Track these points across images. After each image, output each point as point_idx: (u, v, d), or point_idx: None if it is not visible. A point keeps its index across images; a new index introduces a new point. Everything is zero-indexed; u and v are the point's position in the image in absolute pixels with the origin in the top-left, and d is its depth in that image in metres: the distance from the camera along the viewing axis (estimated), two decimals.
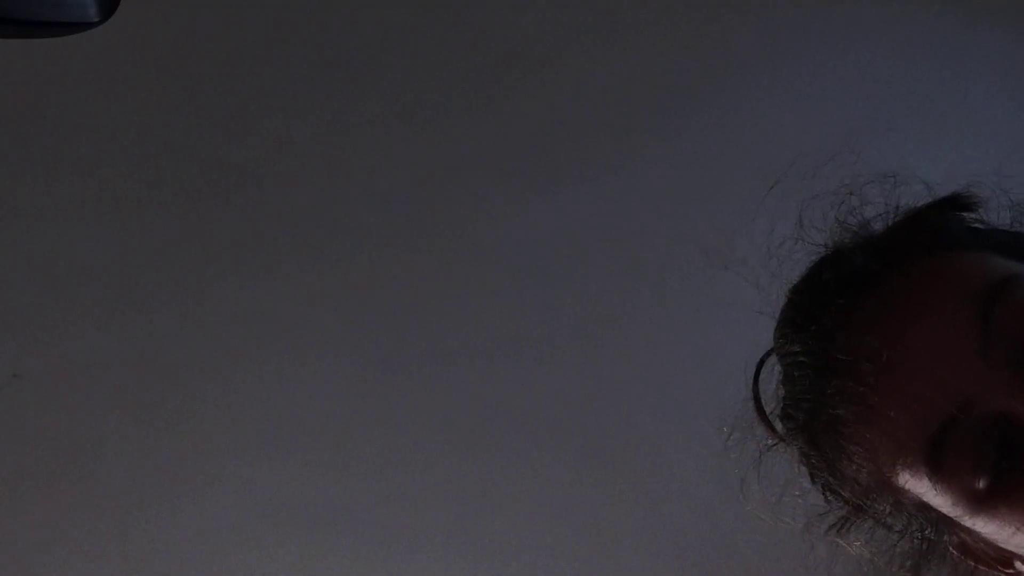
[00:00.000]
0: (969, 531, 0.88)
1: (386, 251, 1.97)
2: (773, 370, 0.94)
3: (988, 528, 0.85)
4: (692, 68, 1.92)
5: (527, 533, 2.22)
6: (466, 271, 1.99)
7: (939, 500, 0.85)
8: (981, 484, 0.82)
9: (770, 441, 0.95)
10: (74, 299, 1.92)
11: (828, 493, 0.93)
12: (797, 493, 0.95)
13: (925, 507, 0.88)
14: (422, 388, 2.07)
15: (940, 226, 0.93)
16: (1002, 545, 0.87)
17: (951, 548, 0.92)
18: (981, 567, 0.92)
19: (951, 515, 0.86)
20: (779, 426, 0.94)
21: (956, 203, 0.95)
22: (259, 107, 1.83)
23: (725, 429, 0.97)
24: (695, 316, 2.00)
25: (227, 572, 2.19)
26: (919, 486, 0.86)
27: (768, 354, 0.95)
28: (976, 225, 0.95)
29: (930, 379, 0.83)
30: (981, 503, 0.83)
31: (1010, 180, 0.94)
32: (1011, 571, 0.92)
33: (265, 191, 1.89)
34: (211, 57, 1.78)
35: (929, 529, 0.92)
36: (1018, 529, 0.84)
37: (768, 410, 0.95)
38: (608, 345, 2.08)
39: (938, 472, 0.84)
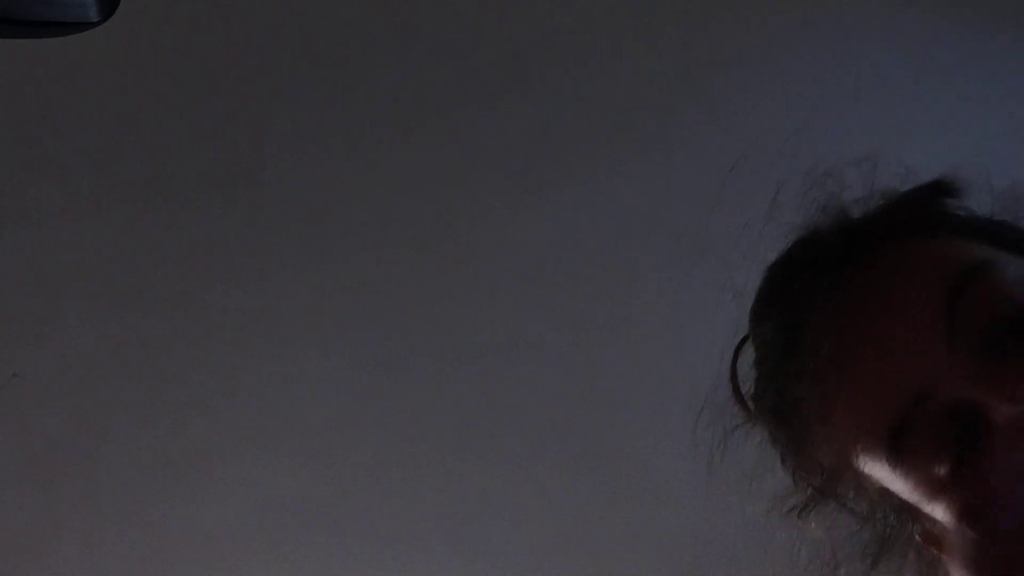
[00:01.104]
0: (932, 519, 0.86)
1: (386, 252, 1.97)
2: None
3: (949, 516, 0.83)
4: (675, 67, 1.92)
5: (525, 533, 2.22)
6: (464, 273, 1.99)
7: (900, 486, 0.84)
8: (941, 471, 0.81)
9: (739, 420, 0.95)
10: (74, 299, 1.92)
11: (795, 476, 0.92)
12: (766, 477, 0.95)
13: (887, 494, 0.86)
14: (420, 389, 2.07)
15: (919, 211, 0.91)
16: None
17: (916, 536, 0.91)
18: (946, 557, 0.90)
19: (913, 502, 0.85)
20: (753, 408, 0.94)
21: (938, 189, 0.93)
22: (259, 108, 1.83)
23: (700, 410, 0.96)
24: (693, 321, 2.00)
25: (226, 571, 2.20)
26: (880, 471, 0.84)
27: (748, 336, 0.94)
28: (958, 212, 0.93)
29: (893, 364, 0.82)
30: (941, 491, 0.82)
31: (994, 166, 0.94)
32: None
33: (265, 191, 1.89)
34: (211, 57, 1.78)
35: (892, 516, 0.90)
36: None
37: (743, 391, 0.95)
38: (606, 348, 2.08)
39: (898, 458, 0.82)
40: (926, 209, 0.92)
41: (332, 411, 2.08)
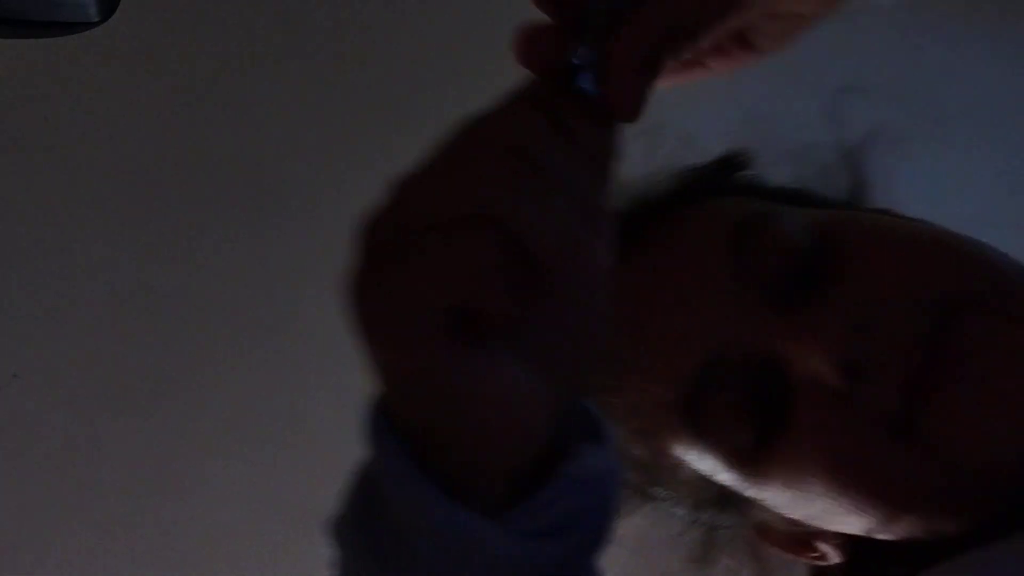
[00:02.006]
0: (758, 505, 0.80)
1: None
2: None
3: (767, 495, 0.77)
4: None
5: None
6: None
7: (708, 465, 0.77)
8: (746, 439, 0.74)
9: None
10: (74, 299, 1.92)
11: None
12: None
13: (706, 483, 0.80)
14: None
15: (703, 180, 0.87)
16: (788, 516, 0.79)
17: (746, 529, 0.84)
18: (779, 550, 0.84)
19: (728, 484, 0.78)
20: None
21: (727, 162, 0.89)
22: (261, 108, 1.83)
23: None
24: None
25: (227, 572, 2.19)
26: (686, 452, 0.77)
27: None
28: (741, 179, 0.89)
29: (679, 323, 0.74)
30: (751, 463, 0.75)
31: (792, 120, 0.87)
32: (814, 555, 0.83)
33: (266, 191, 1.89)
34: (213, 58, 1.78)
35: (712, 510, 0.84)
36: (795, 493, 0.75)
37: None
38: None
39: (697, 430, 0.75)
40: (711, 178, 0.87)
41: (334, 413, 2.08)
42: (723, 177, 0.89)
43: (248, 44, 1.78)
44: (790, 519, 0.80)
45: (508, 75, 0.59)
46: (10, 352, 1.95)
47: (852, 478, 0.71)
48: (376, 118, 1.87)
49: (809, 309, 0.73)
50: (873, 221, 0.79)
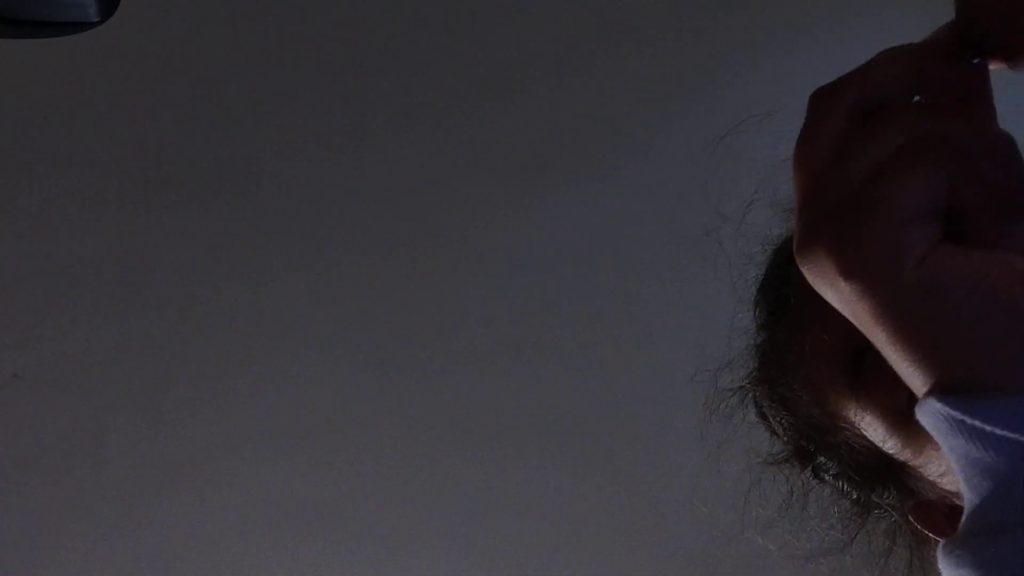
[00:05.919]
0: (916, 477, 0.84)
1: (387, 253, 1.97)
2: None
3: (922, 460, 0.82)
4: (688, 68, 1.92)
5: (527, 533, 2.22)
6: (466, 273, 1.99)
7: (868, 425, 0.83)
8: (900, 400, 0.79)
9: (737, 386, 0.97)
10: (74, 299, 1.92)
11: (786, 434, 0.93)
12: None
13: (875, 451, 0.85)
14: (423, 389, 2.07)
15: None
16: (944, 487, 0.84)
17: (902, 509, 0.89)
18: (934, 533, 0.88)
19: (890, 451, 0.83)
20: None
21: None
22: (259, 108, 1.83)
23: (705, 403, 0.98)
24: (692, 316, 2.00)
25: (227, 571, 2.19)
26: (853, 413, 0.84)
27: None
28: None
29: None
30: (906, 423, 0.80)
31: None
32: None
33: (265, 191, 1.89)
34: (211, 57, 1.78)
35: (871, 485, 0.89)
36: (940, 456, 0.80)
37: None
38: (606, 346, 2.08)
39: (858, 387, 0.82)
40: None
41: (333, 411, 2.08)
42: None
43: (248, 44, 1.78)
44: (946, 492, 0.84)
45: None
46: (10, 352, 1.95)
47: None
48: (380, 121, 1.87)
49: None
50: None
